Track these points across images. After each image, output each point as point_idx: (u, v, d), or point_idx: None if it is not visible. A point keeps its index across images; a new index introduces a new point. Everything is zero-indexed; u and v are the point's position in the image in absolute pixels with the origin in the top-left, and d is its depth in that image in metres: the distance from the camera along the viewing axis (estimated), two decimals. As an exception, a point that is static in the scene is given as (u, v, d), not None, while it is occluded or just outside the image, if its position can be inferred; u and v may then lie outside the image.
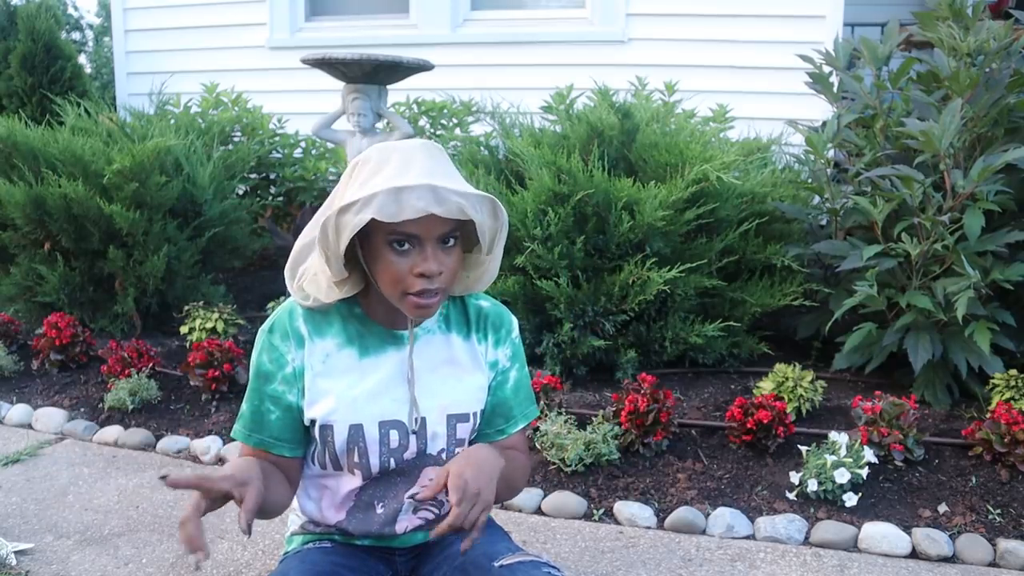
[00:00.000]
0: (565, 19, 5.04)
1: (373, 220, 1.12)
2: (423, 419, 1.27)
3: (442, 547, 1.36)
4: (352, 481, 1.29)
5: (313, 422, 1.26)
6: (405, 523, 1.33)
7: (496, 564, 1.23)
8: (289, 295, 1.30)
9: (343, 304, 1.28)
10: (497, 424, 1.36)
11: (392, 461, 1.27)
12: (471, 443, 1.35)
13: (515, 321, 1.37)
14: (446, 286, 1.18)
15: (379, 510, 1.32)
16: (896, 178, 2.66)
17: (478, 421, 1.32)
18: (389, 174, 1.12)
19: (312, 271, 1.24)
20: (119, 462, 2.58)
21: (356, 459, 1.26)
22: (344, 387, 1.25)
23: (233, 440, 2.66)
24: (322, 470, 1.30)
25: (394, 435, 1.26)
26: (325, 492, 1.33)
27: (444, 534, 1.09)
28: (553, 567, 1.23)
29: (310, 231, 1.27)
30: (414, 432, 1.26)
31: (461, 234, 1.19)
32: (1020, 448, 2.27)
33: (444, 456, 1.30)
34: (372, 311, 1.27)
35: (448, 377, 1.29)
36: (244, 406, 1.27)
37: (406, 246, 1.14)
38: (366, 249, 1.19)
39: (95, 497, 2.35)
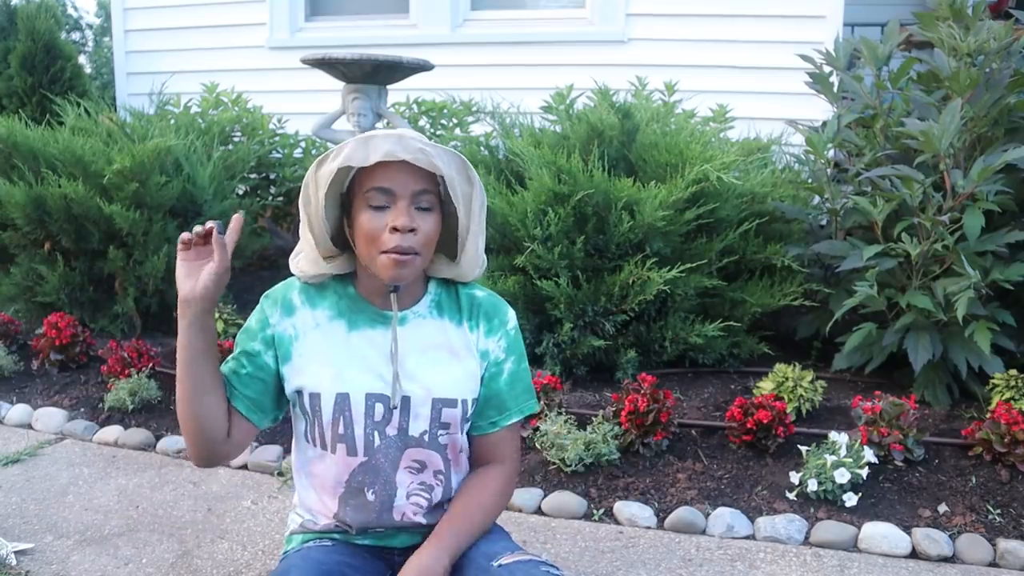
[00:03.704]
0: (565, 19, 5.04)
1: (355, 184, 1.23)
2: (407, 398, 1.28)
3: None
4: (339, 463, 1.30)
5: (300, 392, 1.28)
6: (402, 511, 1.34)
7: (495, 564, 1.24)
8: None
9: (339, 283, 1.33)
10: (490, 416, 1.36)
11: (376, 435, 1.28)
12: (466, 434, 1.37)
13: (512, 313, 1.38)
14: (420, 250, 1.21)
15: (370, 497, 1.32)
16: (896, 178, 2.66)
17: (469, 410, 1.33)
18: (361, 135, 1.21)
19: (303, 248, 1.29)
20: (119, 462, 2.59)
21: (341, 430, 1.28)
22: (330, 357, 1.28)
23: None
24: (314, 448, 1.32)
25: (379, 408, 1.28)
26: (316, 479, 1.34)
27: None
28: (552, 566, 1.24)
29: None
30: (395, 407, 1.28)
31: (438, 204, 1.25)
32: (1020, 448, 2.27)
33: (427, 439, 1.31)
34: (364, 291, 1.31)
35: (436, 361, 1.31)
36: (232, 354, 1.33)
37: (382, 203, 1.20)
38: (351, 220, 1.25)
39: (95, 497, 2.35)
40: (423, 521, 1.36)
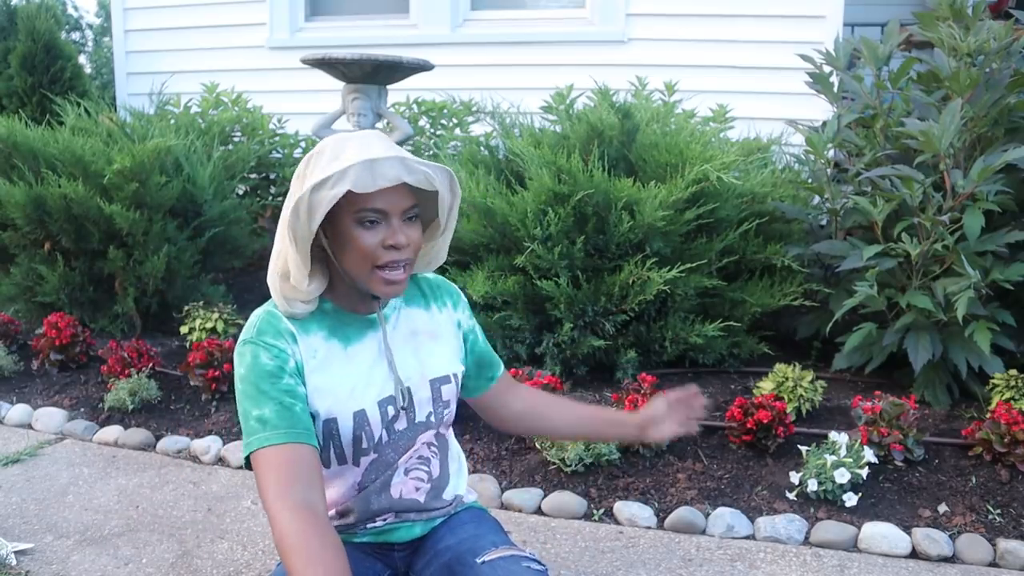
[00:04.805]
0: (565, 19, 5.04)
1: (340, 202, 1.18)
2: (408, 388, 1.31)
3: (433, 543, 1.38)
4: (358, 473, 1.30)
5: (313, 418, 1.25)
6: (399, 487, 1.34)
7: (478, 560, 1.26)
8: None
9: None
10: (487, 373, 1.47)
11: (385, 433, 1.30)
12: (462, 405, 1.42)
13: (456, 287, 1.47)
14: (412, 259, 1.23)
15: (377, 482, 1.33)
16: (896, 178, 2.66)
17: (459, 382, 1.39)
18: (353, 153, 1.17)
19: (283, 270, 1.24)
20: (119, 462, 2.58)
21: (364, 444, 1.28)
22: (340, 379, 1.26)
23: (234, 440, 2.66)
24: (325, 469, 1.30)
25: (390, 410, 1.30)
26: (330, 489, 1.33)
27: None
28: (534, 560, 1.25)
29: (279, 238, 1.25)
30: (403, 408, 1.30)
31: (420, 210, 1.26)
32: (1020, 448, 2.27)
33: (432, 420, 1.34)
34: (342, 303, 1.30)
35: (420, 346, 1.34)
36: (261, 412, 1.18)
37: (375, 221, 1.19)
38: (331, 235, 1.22)
39: (95, 497, 2.35)
40: (421, 500, 1.36)
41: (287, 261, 1.23)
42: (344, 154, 1.18)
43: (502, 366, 1.51)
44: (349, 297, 1.29)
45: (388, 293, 1.23)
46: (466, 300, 1.46)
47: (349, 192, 1.17)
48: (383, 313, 1.32)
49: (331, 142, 1.21)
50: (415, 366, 1.32)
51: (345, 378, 1.26)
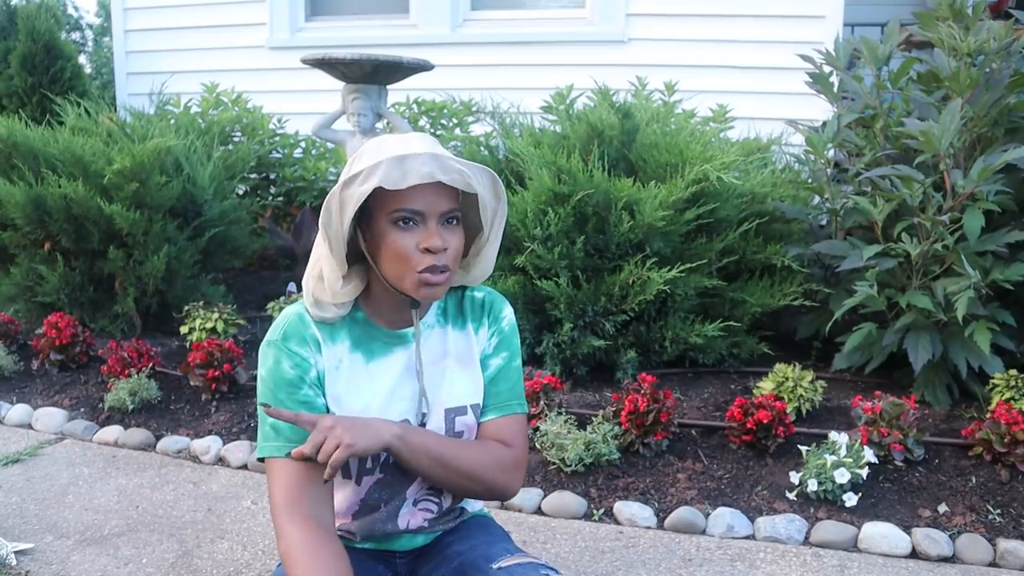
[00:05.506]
0: (565, 19, 5.05)
1: (377, 200, 1.15)
2: (424, 414, 1.27)
3: (440, 548, 1.36)
4: (359, 489, 1.29)
5: None
6: (407, 518, 1.33)
7: (494, 566, 1.22)
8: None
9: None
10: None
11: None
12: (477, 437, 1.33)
13: (508, 310, 1.35)
14: (451, 265, 1.18)
15: (382, 509, 1.31)
16: (896, 178, 2.66)
17: (479, 412, 1.31)
18: (389, 150, 1.14)
19: (317, 272, 1.22)
20: (119, 462, 2.59)
21: (369, 464, 1.25)
22: (354, 394, 1.24)
23: (234, 440, 2.67)
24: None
25: None
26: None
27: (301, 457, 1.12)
28: (552, 569, 1.22)
29: (317, 241, 1.25)
30: (422, 425, 1.26)
31: (461, 216, 1.21)
32: (1020, 448, 2.27)
33: None
34: (375, 314, 1.27)
35: (446, 371, 1.29)
36: (275, 420, 1.18)
37: (411, 223, 1.15)
38: (369, 238, 1.20)
39: (95, 497, 2.35)
40: (427, 525, 1.35)
41: (320, 261, 1.21)
42: (381, 151, 1.15)
43: (488, 418, 1.31)
44: (383, 307, 1.25)
45: (426, 296, 1.18)
46: (507, 330, 1.34)
47: (385, 192, 1.14)
48: (413, 330, 1.26)
49: (375, 141, 1.18)
50: (436, 391, 1.27)
51: (359, 394, 1.24)
